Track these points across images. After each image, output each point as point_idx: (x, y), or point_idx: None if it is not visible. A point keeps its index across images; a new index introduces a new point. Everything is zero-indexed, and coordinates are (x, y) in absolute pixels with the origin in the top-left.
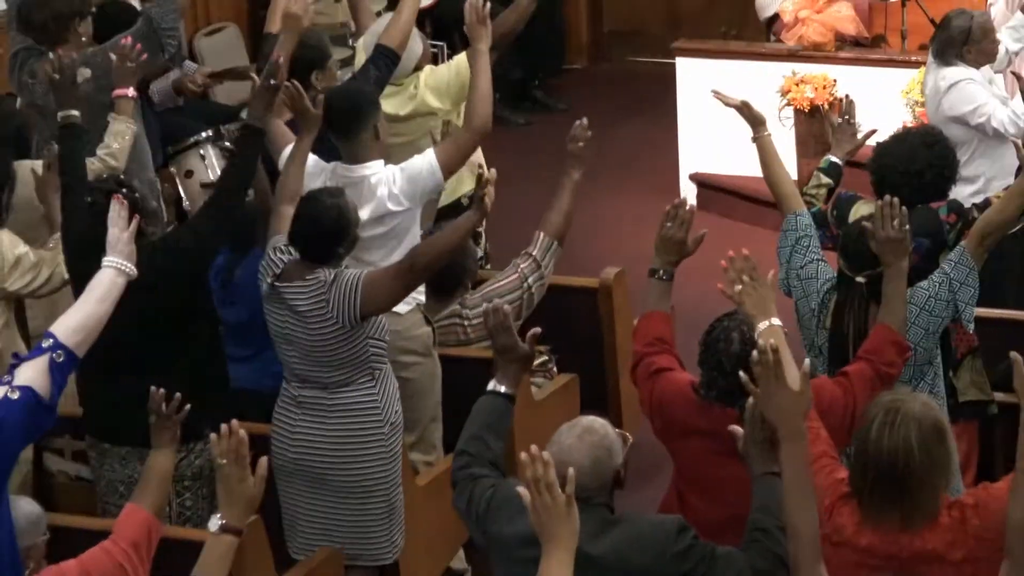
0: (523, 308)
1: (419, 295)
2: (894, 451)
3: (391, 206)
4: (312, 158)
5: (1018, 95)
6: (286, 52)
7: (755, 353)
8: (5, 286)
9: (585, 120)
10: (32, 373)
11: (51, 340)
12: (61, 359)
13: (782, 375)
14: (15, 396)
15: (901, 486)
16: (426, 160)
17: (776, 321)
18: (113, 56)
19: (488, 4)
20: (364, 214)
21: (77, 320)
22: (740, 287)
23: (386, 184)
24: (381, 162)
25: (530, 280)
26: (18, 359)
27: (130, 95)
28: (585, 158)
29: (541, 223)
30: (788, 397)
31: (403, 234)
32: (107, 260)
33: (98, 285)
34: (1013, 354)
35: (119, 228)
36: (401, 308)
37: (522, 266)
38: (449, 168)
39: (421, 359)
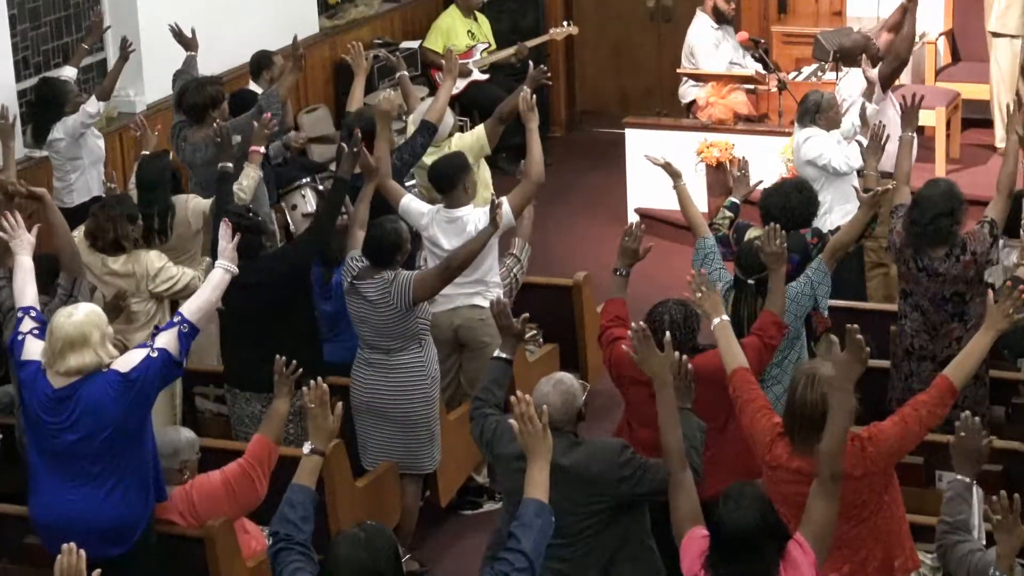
0: (513, 290)
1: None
2: (814, 402)
3: None
4: (421, 204)
5: (853, 144)
6: (385, 140)
7: (629, 331)
8: (151, 289)
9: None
10: (167, 339)
11: (179, 316)
12: (186, 330)
13: (652, 345)
14: (155, 355)
15: (819, 426)
16: (504, 204)
17: (725, 317)
18: (255, 124)
19: (535, 96)
20: (458, 242)
21: (197, 304)
22: (700, 294)
23: (474, 222)
24: (471, 206)
25: (515, 271)
26: (157, 330)
27: (261, 151)
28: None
29: (518, 231)
30: (657, 359)
31: (487, 253)
32: (218, 263)
33: (211, 280)
34: (832, 337)
35: (226, 241)
36: (486, 304)
37: (508, 262)
38: (517, 210)
39: (496, 339)
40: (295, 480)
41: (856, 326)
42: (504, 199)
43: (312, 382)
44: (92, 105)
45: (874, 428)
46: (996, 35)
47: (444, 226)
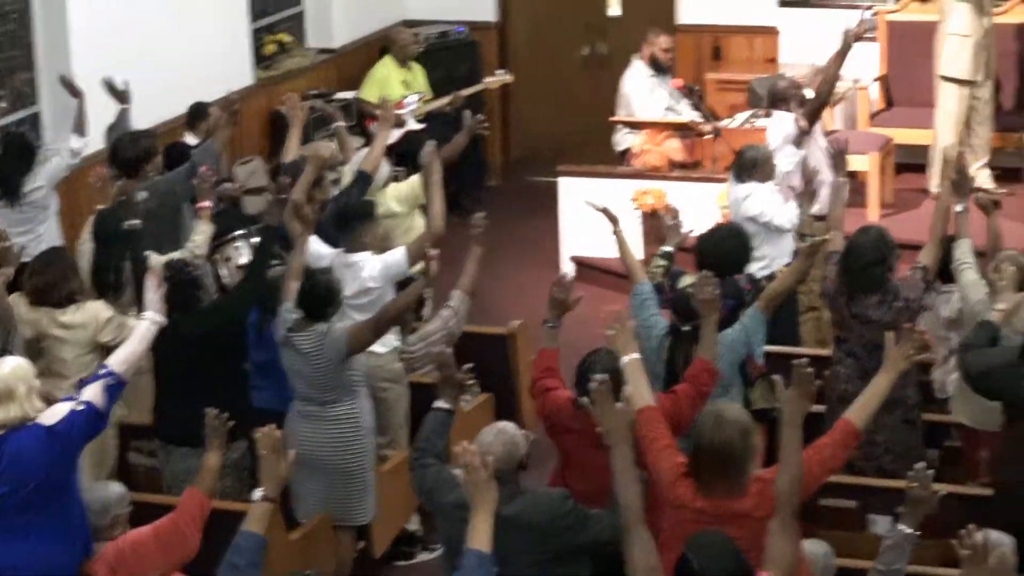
0: (449, 342)
1: (395, 340)
2: (719, 443)
3: (371, 284)
4: (323, 246)
5: (792, 201)
6: (306, 181)
7: (591, 383)
8: (99, 338)
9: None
10: (93, 392)
11: (106, 369)
12: (113, 382)
13: (609, 400)
14: (80, 409)
15: (724, 468)
16: (398, 254)
17: (636, 355)
18: (194, 180)
19: (472, 145)
20: (354, 288)
21: (124, 356)
22: (612, 332)
23: (369, 269)
24: (369, 253)
25: (451, 323)
26: (83, 383)
27: (209, 205)
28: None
29: (457, 284)
30: (616, 414)
31: (379, 302)
32: (145, 314)
33: (137, 331)
34: (775, 377)
35: (152, 291)
36: (380, 349)
37: (444, 314)
38: (414, 259)
39: (394, 384)
40: (244, 526)
41: (805, 359)
42: (403, 248)
43: (264, 429)
44: (76, 141)
45: (778, 470)
46: (946, 79)
47: (342, 271)
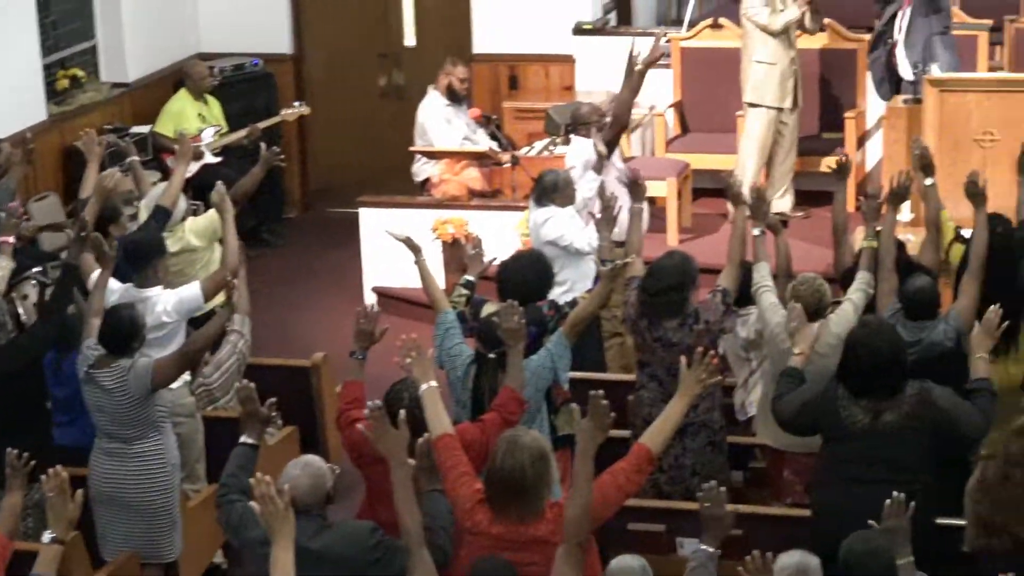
0: (242, 364)
1: (186, 375)
2: (512, 470)
3: (165, 319)
4: (113, 281)
5: (591, 224)
6: (92, 212)
7: (366, 410)
8: None
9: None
10: None
11: None
12: None
13: (387, 425)
14: None
15: (516, 493)
16: (193, 288)
17: (433, 383)
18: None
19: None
20: (148, 322)
21: None
22: (409, 360)
23: (163, 304)
24: (161, 287)
25: (240, 345)
26: None
27: (11, 241)
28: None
29: (236, 308)
30: (392, 438)
31: (174, 336)
32: None
33: None
34: (572, 405)
35: None
36: (172, 384)
37: (231, 339)
38: (209, 294)
39: (187, 419)
40: (35, 569)
41: (600, 392)
42: (197, 282)
43: (51, 470)
44: None
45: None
46: (752, 105)
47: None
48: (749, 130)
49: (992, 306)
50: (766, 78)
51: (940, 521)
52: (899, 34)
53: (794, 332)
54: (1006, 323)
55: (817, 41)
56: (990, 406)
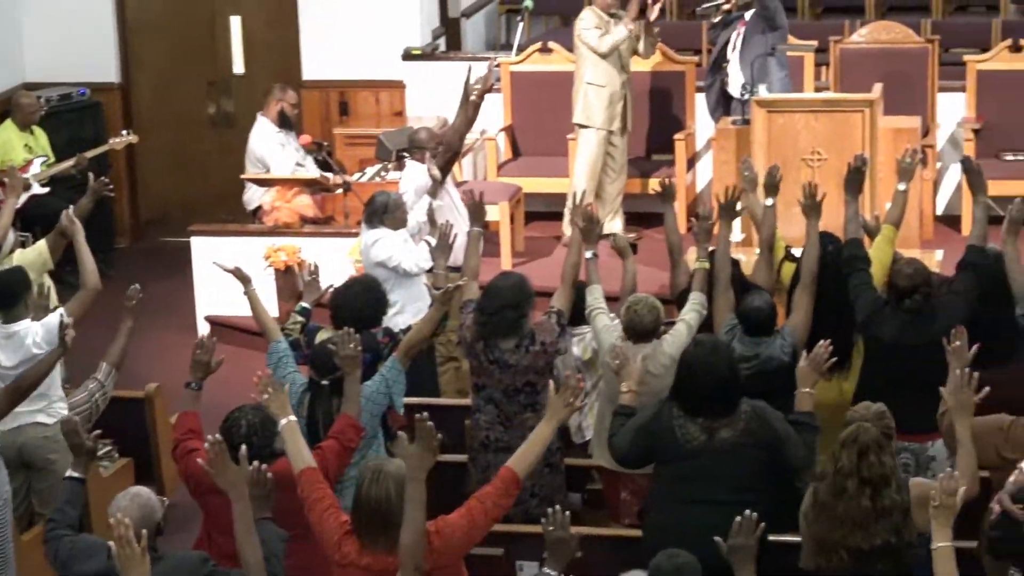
0: (93, 415)
1: (64, 410)
2: (379, 498)
3: (35, 351)
4: None
5: (422, 245)
6: None
7: (206, 443)
8: None
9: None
10: None
11: None
12: None
13: (227, 458)
14: None
15: (384, 522)
16: (56, 316)
17: (292, 418)
18: None
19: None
20: (18, 357)
21: None
22: (267, 395)
23: (31, 335)
24: (28, 319)
25: (96, 396)
26: None
27: None
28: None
29: (105, 356)
30: (232, 472)
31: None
32: None
33: None
34: (401, 434)
35: None
36: (49, 420)
37: (91, 387)
38: (77, 317)
39: (65, 454)
40: None
41: (425, 414)
42: (60, 309)
43: None
44: None
45: (440, 521)
46: (582, 126)
47: (2, 342)
48: (580, 151)
49: (821, 341)
50: (596, 100)
51: (774, 538)
52: (732, 52)
53: (619, 370)
54: (832, 359)
55: (647, 64)
56: (813, 440)
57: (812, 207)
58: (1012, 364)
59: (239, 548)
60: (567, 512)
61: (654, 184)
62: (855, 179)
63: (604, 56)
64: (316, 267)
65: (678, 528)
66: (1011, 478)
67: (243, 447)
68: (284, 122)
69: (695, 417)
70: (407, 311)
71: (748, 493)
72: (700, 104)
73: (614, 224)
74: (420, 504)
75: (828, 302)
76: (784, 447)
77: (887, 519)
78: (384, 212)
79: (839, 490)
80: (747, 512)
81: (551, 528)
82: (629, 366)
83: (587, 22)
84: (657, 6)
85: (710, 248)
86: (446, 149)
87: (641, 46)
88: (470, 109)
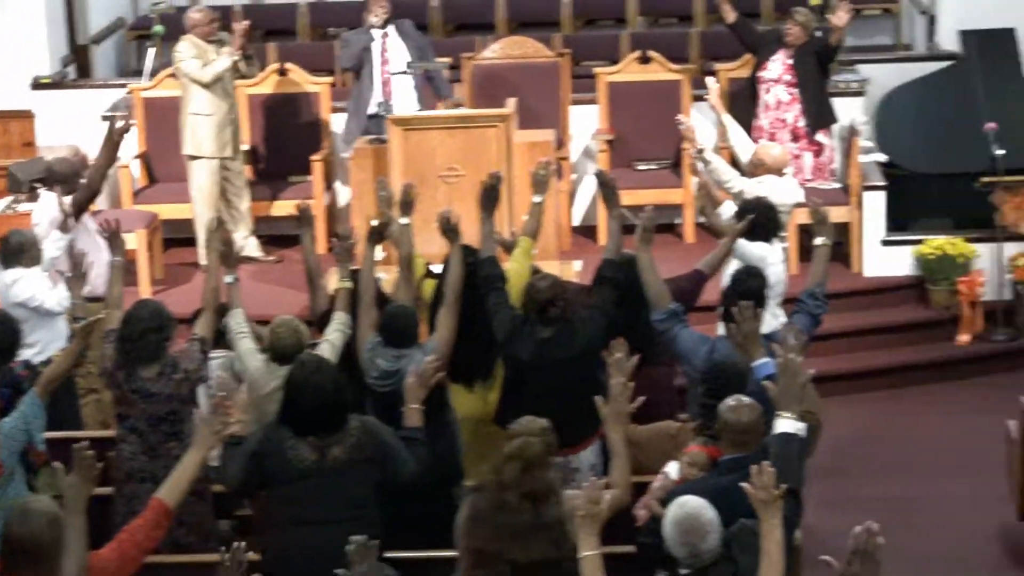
0: None
1: None
2: (27, 537)
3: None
4: None
5: (61, 283)
6: None
7: None
8: None
9: None
10: None
11: None
12: None
13: None
14: None
15: (35, 560)
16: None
17: None
18: None
19: None
20: None
21: None
22: None
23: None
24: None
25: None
26: None
27: None
28: None
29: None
30: None
31: None
32: None
33: None
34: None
35: None
36: None
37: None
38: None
39: None
40: None
41: (85, 443)
42: None
43: None
44: None
45: (93, 557)
46: (192, 158)
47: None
48: (194, 183)
49: (428, 358)
50: (204, 130)
51: (390, 555)
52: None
53: (222, 402)
54: (440, 373)
55: (283, 87)
56: (423, 454)
57: (450, 231)
58: (650, 368)
59: None
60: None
61: (290, 208)
62: (489, 197)
63: (207, 86)
64: None
65: (295, 550)
66: (656, 483)
67: None
68: None
69: (305, 437)
70: (49, 351)
71: (362, 510)
72: (336, 123)
73: (250, 246)
74: (81, 532)
75: (470, 315)
76: (395, 461)
77: (547, 532)
78: (20, 252)
79: (500, 503)
80: (362, 537)
81: (224, 559)
82: (235, 396)
83: (184, 52)
84: (243, 27)
85: (352, 268)
86: (87, 186)
87: (243, 67)
88: (110, 149)
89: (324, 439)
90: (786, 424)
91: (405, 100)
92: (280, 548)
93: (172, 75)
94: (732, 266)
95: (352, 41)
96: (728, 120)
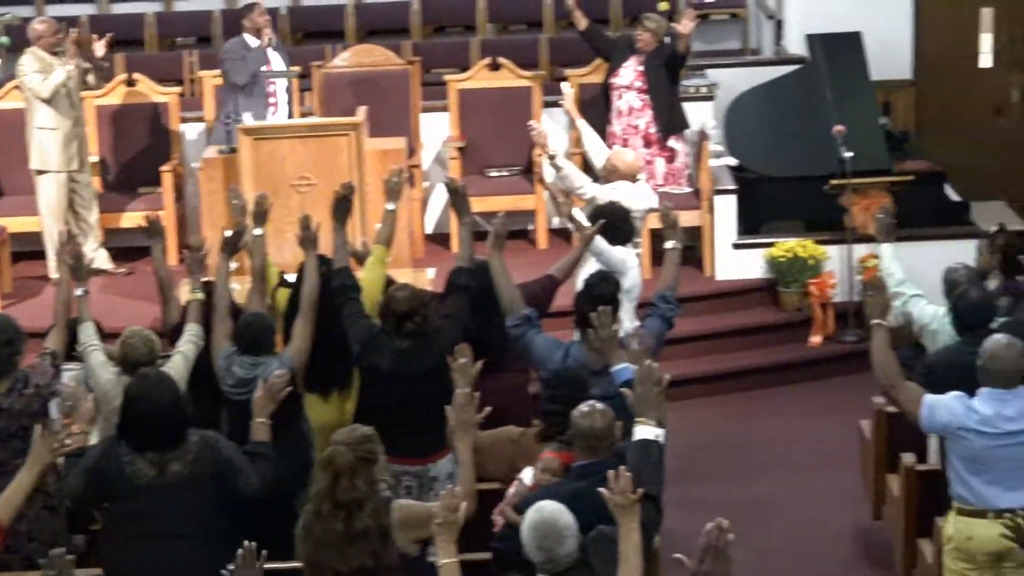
0: None
1: None
2: None
3: None
4: None
5: None
6: None
7: None
8: None
9: None
10: None
11: None
12: None
13: None
14: None
15: None
16: None
17: None
18: None
19: None
20: None
21: None
22: None
23: None
24: None
25: None
26: None
27: None
28: None
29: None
30: None
31: None
32: None
33: None
34: None
35: None
36: None
37: None
38: None
39: None
40: None
41: None
42: None
43: None
44: None
45: None
46: (40, 172)
47: None
48: (42, 197)
49: (277, 371)
50: (50, 144)
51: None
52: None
53: (70, 412)
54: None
55: (131, 97)
56: (268, 469)
57: (308, 240)
58: (504, 374)
59: None
60: (72, 556)
61: (140, 219)
62: (341, 207)
63: (47, 100)
64: None
65: (135, 565)
66: (511, 489)
67: None
68: None
69: (143, 452)
70: None
71: (202, 526)
72: (187, 134)
73: (100, 257)
74: None
75: (326, 325)
76: (237, 476)
77: (362, 542)
78: None
79: (316, 513)
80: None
81: (53, 572)
82: (80, 406)
83: (28, 67)
84: (103, 42)
85: (204, 279)
86: None
87: (92, 79)
88: None
89: (163, 455)
90: (645, 430)
91: (282, 111)
92: (120, 563)
93: (18, 87)
94: (585, 271)
95: (249, 58)
96: (583, 125)
